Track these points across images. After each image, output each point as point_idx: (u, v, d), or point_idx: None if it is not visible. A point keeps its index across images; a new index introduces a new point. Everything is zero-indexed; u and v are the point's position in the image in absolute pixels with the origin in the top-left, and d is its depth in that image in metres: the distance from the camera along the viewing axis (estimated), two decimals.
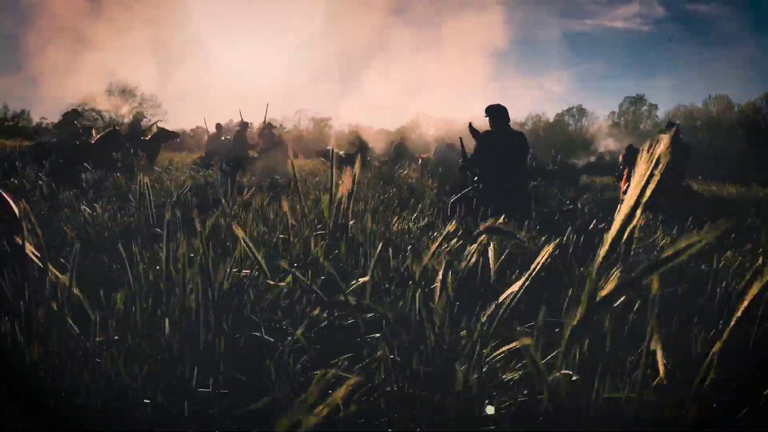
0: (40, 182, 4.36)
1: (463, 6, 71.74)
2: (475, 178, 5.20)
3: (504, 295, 1.01)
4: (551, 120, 63.82)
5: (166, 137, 12.01)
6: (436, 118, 53.93)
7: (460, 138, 5.60)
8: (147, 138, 11.44)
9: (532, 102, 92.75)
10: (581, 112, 64.63)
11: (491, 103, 5.25)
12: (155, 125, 12.05)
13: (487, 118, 5.26)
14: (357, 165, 1.89)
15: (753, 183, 13.75)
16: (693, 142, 46.98)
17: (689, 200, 5.79)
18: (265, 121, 13.08)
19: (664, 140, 0.93)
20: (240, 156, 11.54)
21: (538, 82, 79.03)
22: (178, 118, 63.54)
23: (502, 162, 5.02)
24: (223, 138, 14.48)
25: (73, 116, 10.11)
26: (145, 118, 11.65)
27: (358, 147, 15.43)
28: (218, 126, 14.37)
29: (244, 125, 12.91)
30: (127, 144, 9.54)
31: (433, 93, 75.21)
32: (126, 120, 41.65)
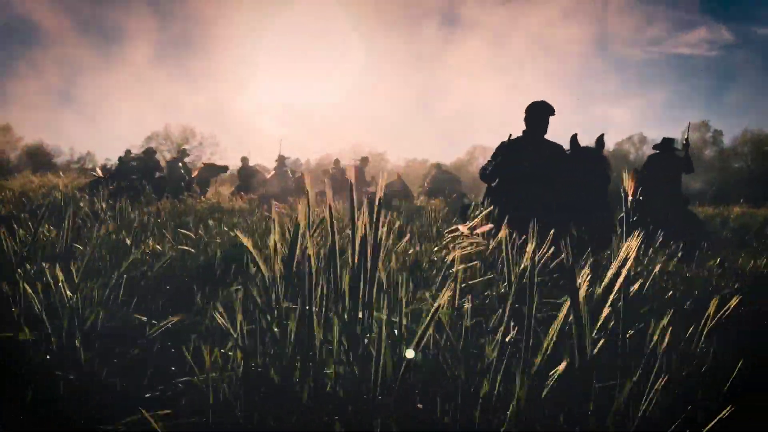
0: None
1: (524, 32, 74.12)
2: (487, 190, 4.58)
3: None
4: (611, 149, 63.92)
5: (214, 171, 13.17)
6: (492, 149, 55.11)
7: (509, 135, 4.65)
8: (194, 173, 12.75)
9: (593, 132, 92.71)
10: (642, 140, 64.36)
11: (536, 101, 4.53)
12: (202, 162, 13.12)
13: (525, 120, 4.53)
14: None
15: None
16: (761, 168, 46.36)
17: (683, 226, 5.61)
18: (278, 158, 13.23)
19: None
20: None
21: (601, 111, 79.58)
22: (234, 156, 67.33)
23: (523, 174, 4.30)
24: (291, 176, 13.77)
25: (151, 152, 12.63)
26: (188, 155, 13.37)
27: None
28: (244, 159, 13.96)
29: (364, 161, 12.86)
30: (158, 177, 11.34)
31: (491, 124, 77.27)
32: (186, 159, 44.54)
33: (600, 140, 4.31)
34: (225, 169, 13.83)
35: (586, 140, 4.30)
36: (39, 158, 39.33)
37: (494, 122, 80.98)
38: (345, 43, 76.89)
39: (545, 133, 4.50)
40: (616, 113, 77.92)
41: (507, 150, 4.52)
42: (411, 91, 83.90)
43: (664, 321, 1.27)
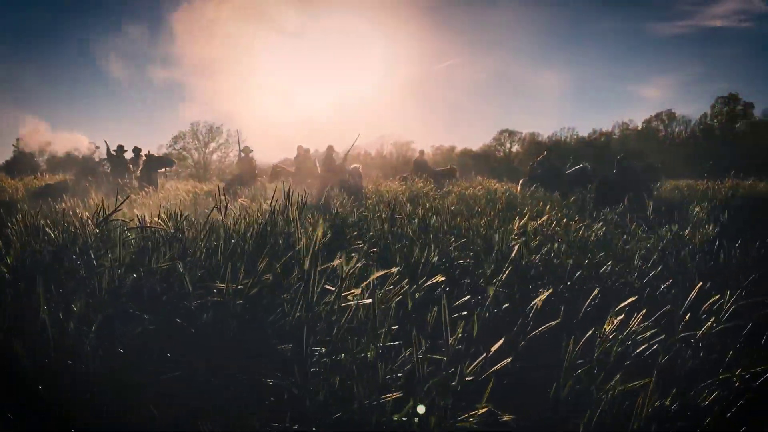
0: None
1: (548, 11, 78.39)
2: None
3: None
4: (639, 127, 66.66)
5: (158, 164, 13.97)
6: (523, 135, 60.35)
7: None
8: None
9: (622, 111, 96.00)
10: (671, 116, 66.71)
11: None
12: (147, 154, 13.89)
13: None
14: None
15: None
16: None
17: None
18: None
19: None
20: None
21: (629, 90, 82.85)
22: (264, 153, 72.45)
23: None
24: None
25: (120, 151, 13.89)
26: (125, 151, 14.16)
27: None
28: (246, 148, 14.66)
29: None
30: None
31: (515, 107, 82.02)
32: (214, 156, 50.02)
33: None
34: (170, 162, 14.82)
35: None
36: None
37: (518, 105, 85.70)
38: (361, 39, 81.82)
39: None
40: (645, 90, 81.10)
41: None
42: (430, 81, 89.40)
43: None
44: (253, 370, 1.63)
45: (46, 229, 2.70)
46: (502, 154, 61.00)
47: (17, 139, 48.51)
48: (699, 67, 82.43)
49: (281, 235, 2.48)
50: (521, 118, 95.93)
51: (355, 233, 4.27)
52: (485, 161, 54.83)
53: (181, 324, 1.85)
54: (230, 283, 1.78)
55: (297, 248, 1.78)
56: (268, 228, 2.67)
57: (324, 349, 1.65)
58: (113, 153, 13.82)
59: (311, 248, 1.52)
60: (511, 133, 62.13)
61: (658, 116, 66.45)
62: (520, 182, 13.28)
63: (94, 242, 2.22)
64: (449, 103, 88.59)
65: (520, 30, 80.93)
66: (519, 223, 3.94)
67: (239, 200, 3.19)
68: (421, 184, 12.13)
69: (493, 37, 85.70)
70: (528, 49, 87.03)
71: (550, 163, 13.56)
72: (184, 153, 53.97)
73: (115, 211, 2.09)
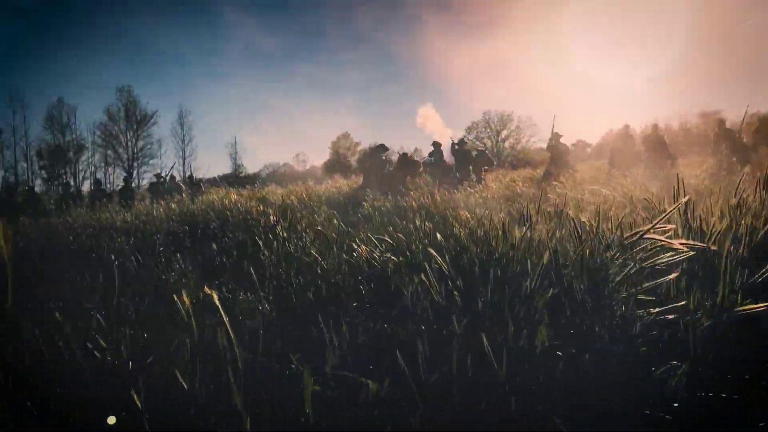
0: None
1: None
2: None
3: None
4: None
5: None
6: None
7: None
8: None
9: None
10: None
11: None
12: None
13: None
14: None
15: None
16: None
17: None
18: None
19: None
20: None
21: None
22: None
23: None
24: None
25: (378, 150, 14.59)
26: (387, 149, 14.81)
27: None
28: (556, 134, 14.70)
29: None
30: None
31: None
32: (506, 143, 49.08)
33: None
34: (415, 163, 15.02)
35: None
36: None
37: None
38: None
39: None
40: None
41: None
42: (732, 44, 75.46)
43: None
44: None
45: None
46: None
47: (332, 143, 56.40)
48: None
49: None
50: None
51: None
52: None
53: None
54: None
55: None
56: None
57: None
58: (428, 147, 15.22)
59: None
60: None
61: None
62: None
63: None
64: (756, 65, 74.50)
65: None
66: None
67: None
68: None
69: None
70: None
71: None
72: (478, 142, 55.79)
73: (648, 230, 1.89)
